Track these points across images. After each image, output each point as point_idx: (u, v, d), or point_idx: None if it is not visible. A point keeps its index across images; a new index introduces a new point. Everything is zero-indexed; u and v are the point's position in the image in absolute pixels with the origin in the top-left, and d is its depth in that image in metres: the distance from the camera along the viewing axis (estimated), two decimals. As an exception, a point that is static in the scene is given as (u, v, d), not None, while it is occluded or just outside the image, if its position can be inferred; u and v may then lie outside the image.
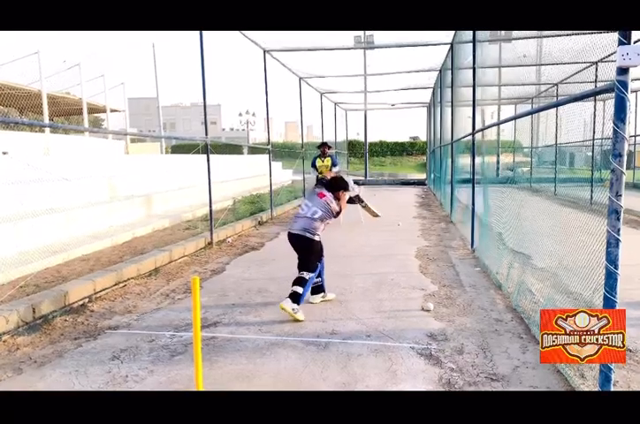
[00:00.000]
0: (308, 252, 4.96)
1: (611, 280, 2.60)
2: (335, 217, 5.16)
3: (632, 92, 3.00)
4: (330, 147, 11.59)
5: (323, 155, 11.15)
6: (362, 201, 5.44)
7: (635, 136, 16.44)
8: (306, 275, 4.85)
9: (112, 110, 23.56)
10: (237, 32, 10.05)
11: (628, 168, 2.67)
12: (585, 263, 3.56)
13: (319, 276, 5.18)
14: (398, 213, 12.56)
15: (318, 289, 5.21)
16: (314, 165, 11.21)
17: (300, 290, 4.72)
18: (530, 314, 4.48)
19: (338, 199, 5.16)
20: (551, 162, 17.01)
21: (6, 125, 13.40)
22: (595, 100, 11.77)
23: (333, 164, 11.17)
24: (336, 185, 5.21)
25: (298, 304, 4.68)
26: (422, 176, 28.30)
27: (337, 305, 5.13)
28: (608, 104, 11.67)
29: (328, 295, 5.30)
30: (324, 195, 5.10)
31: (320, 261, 5.07)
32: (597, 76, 11.50)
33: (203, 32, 8.13)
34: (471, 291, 5.58)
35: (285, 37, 10.78)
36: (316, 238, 4.96)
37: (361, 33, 18.98)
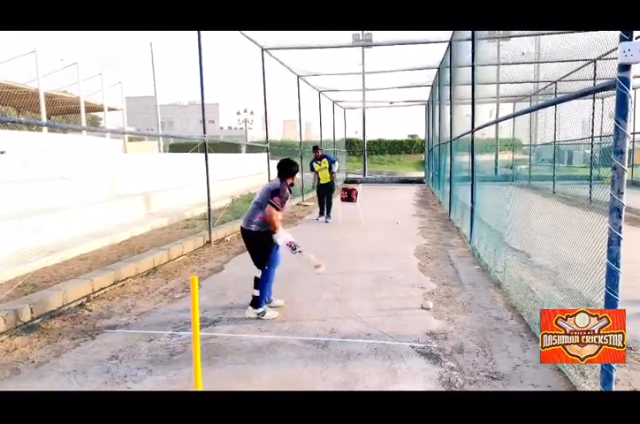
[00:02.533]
0: (252, 245, 4.81)
1: (612, 278, 2.58)
2: (271, 200, 4.59)
3: (633, 89, 2.99)
4: (321, 149, 11.78)
5: (318, 159, 11.30)
6: (295, 250, 4.70)
7: (634, 133, 16.42)
8: (258, 273, 4.77)
9: (110, 109, 23.51)
10: (235, 31, 10.01)
11: (627, 165, 2.64)
12: (586, 261, 3.54)
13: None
14: (396, 211, 12.55)
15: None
16: (313, 170, 11.40)
17: (257, 293, 4.70)
18: (531, 312, 4.47)
19: (291, 184, 4.88)
20: (549, 160, 17.00)
21: (4, 124, 13.36)
22: (594, 97, 11.76)
23: (331, 162, 11.29)
24: (281, 170, 4.89)
25: (260, 307, 4.67)
26: (421, 174, 28.30)
27: (336, 303, 5.12)
28: (607, 102, 11.66)
29: (275, 301, 5.04)
30: (271, 181, 4.94)
31: (273, 257, 4.79)
32: (595, 74, 11.50)
33: (201, 31, 8.09)
34: (471, 289, 5.56)
35: (284, 35, 10.75)
36: (253, 227, 4.70)
37: (359, 31, 18.94)
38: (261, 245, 4.74)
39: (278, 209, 4.62)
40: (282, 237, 4.69)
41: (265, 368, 3.60)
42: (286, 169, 4.89)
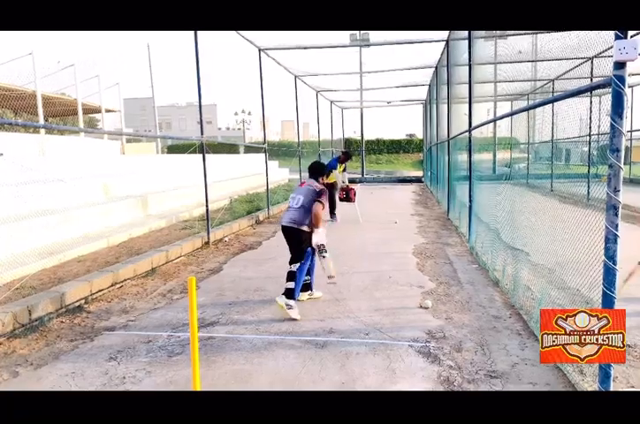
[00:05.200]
0: (297, 242, 5.00)
1: (610, 276, 2.58)
2: (319, 199, 4.97)
3: (628, 87, 3.00)
4: (351, 156, 12.40)
5: (341, 162, 11.58)
6: (322, 252, 4.93)
7: (631, 131, 16.45)
8: (293, 267, 4.88)
9: (107, 111, 23.48)
10: (232, 31, 10.02)
11: (624, 163, 2.66)
12: (583, 259, 3.54)
13: (309, 273, 5.19)
14: (395, 210, 12.55)
15: (306, 287, 5.23)
16: (334, 167, 11.42)
17: (292, 285, 4.78)
18: (529, 310, 4.47)
19: (323, 183, 5.32)
20: (547, 159, 17.01)
21: (0, 126, 13.34)
22: (591, 95, 11.77)
23: (344, 169, 11.72)
24: (317, 170, 5.38)
25: (293, 299, 4.72)
26: (419, 173, 28.27)
27: (335, 303, 5.11)
28: (604, 100, 11.66)
29: (315, 293, 5.33)
30: (305, 183, 5.25)
31: (309, 252, 5.04)
32: (592, 70, 11.52)
33: (198, 31, 8.09)
34: (469, 287, 5.57)
35: (281, 35, 10.75)
36: (304, 227, 4.98)
37: (356, 30, 18.94)
38: (305, 242, 5.00)
39: (324, 206, 5.04)
40: (320, 235, 4.99)
41: (264, 369, 3.60)
42: (321, 169, 5.43)
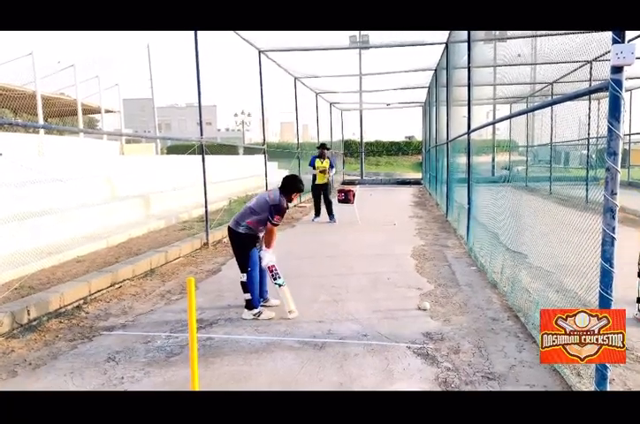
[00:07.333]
0: (235, 246, 4.83)
1: (606, 278, 2.60)
2: (272, 220, 4.59)
3: (626, 90, 3.01)
4: (328, 149, 11.75)
5: (322, 157, 11.28)
6: (275, 278, 4.72)
7: (629, 134, 16.49)
8: (242, 277, 4.77)
9: (107, 111, 23.47)
10: (232, 32, 10.05)
11: (622, 166, 2.69)
12: (580, 262, 3.56)
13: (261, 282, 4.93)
14: (394, 212, 12.56)
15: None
16: (312, 165, 11.35)
17: (248, 296, 4.74)
18: (527, 312, 4.48)
19: (289, 200, 4.80)
20: (546, 161, 17.05)
21: (0, 126, 13.34)
22: (590, 99, 11.80)
23: (331, 166, 11.36)
24: (288, 186, 4.76)
25: (255, 308, 4.74)
26: (418, 175, 28.31)
27: (333, 304, 5.12)
28: (603, 103, 11.69)
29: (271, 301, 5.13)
30: (270, 190, 4.89)
31: (255, 255, 4.78)
32: (591, 74, 11.55)
33: (198, 32, 8.12)
34: (467, 289, 5.58)
35: (280, 37, 10.79)
36: (240, 229, 4.71)
37: (356, 32, 18.98)
38: (244, 246, 4.79)
39: (276, 225, 4.72)
40: (267, 256, 4.76)
41: (262, 370, 3.60)
42: (294, 185, 4.76)
